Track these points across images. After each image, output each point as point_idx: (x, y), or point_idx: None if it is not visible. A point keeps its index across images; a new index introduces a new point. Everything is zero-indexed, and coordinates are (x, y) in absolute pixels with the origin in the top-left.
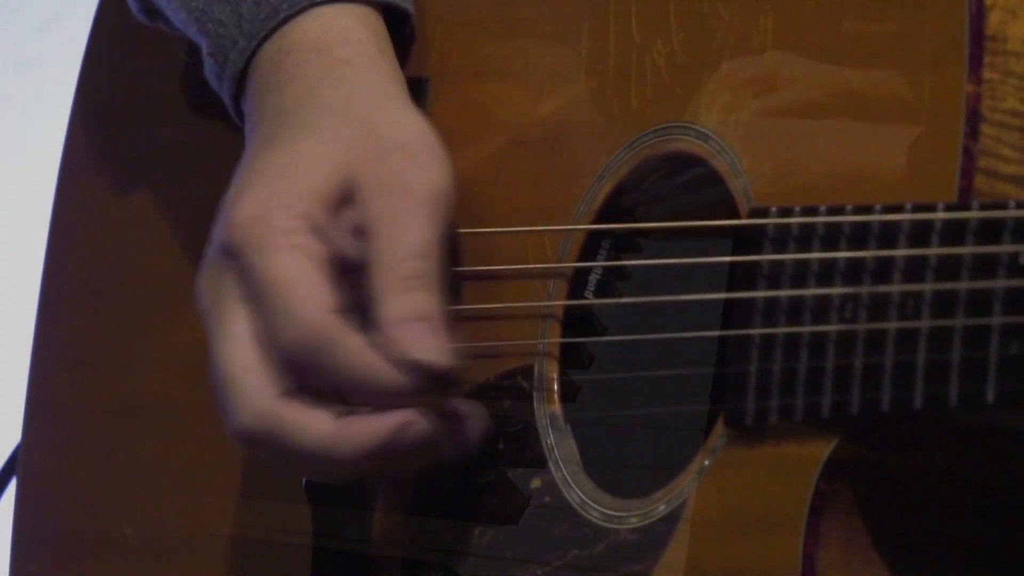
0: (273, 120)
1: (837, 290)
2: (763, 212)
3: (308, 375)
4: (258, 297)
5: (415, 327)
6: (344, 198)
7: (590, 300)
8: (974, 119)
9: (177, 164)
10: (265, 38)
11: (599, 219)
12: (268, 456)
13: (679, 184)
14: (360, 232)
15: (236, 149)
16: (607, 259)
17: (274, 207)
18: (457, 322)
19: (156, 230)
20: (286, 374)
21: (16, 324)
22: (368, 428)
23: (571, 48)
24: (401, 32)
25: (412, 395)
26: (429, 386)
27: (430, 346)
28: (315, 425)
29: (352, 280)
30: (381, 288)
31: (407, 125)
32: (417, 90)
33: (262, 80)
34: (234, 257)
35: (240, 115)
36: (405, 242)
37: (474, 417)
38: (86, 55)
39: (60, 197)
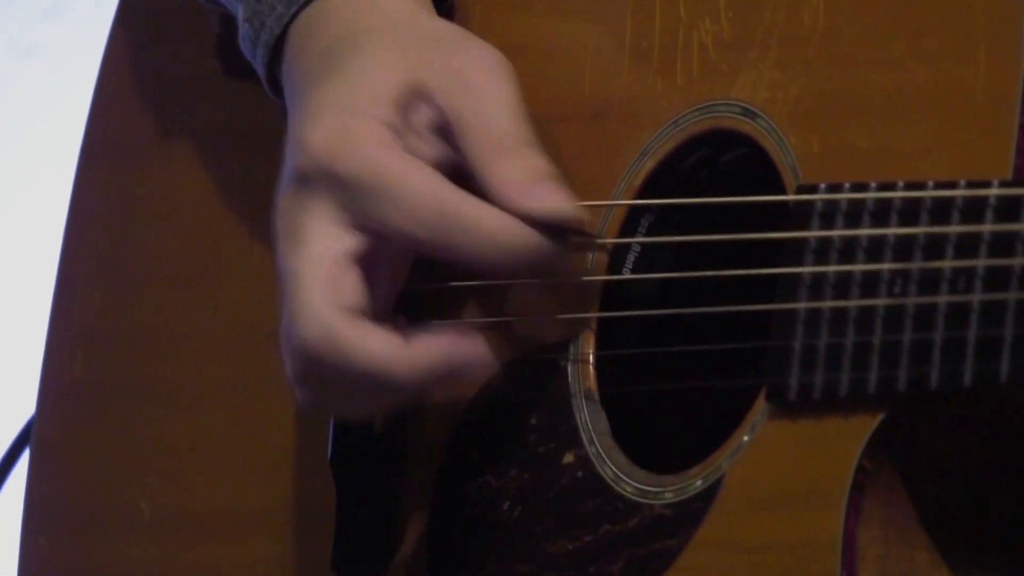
0: (319, 62)
1: (886, 265)
2: (812, 189)
3: (437, 252)
4: (363, 198)
5: (532, 184)
6: (411, 100)
7: (629, 276)
8: None
9: (206, 142)
10: (304, 4)
11: (640, 196)
12: (325, 372)
13: (724, 162)
14: (437, 130)
15: (261, 128)
16: (647, 236)
17: (348, 118)
18: (494, 296)
19: (180, 209)
20: (357, 294)
21: (29, 303)
22: (428, 347)
23: (615, 25)
24: (441, 8)
25: (551, 255)
26: (566, 241)
27: (556, 199)
28: (376, 341)
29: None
30: (483, 157)
31: (445, 24)
32: None
33: (299, 42)
34: (319, 176)
35: (272, 84)
36: (495, 113)
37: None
38: (112, 31)
39: (81, 174)
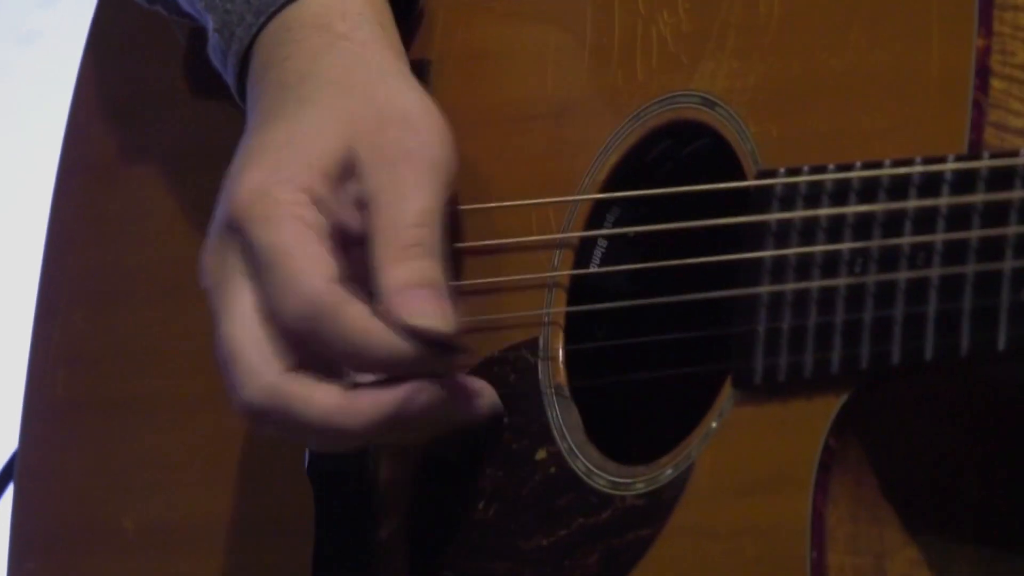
0: (274, 95)
1: (846, 244)
2: (771, 174)
3: (312, 347)
4: (260, 269)
5: (416, 294)
6: (346, 171)
7: (596, 269)
8: (984, 73)
9: (176, 158)
10: (273, 15)
11: (605, 191)
12: (275, 430)
13: (686, 154)
14: (363, 205)
15: (236, 140)
16: (614, 227)
17: (276, 180)
18: (462, 296)
19: (155, 224)
20: (292, 349)
21: (14, 322)
22: (374, 400)
23: (576, 24)
24: (410, 14)
25: (416, 363)
26: (432, 353)
27: (431, 312)
28: (322, 398)
29: (356, 254)
30: (382, 256)
31: (407, 96)
32: (420, 72)
33: (265, 57)
34: (237, 231)
35: (242, 94)
36: (405, 210)
37: (482, 395)
38: (84, 52)
39: (59, 193)
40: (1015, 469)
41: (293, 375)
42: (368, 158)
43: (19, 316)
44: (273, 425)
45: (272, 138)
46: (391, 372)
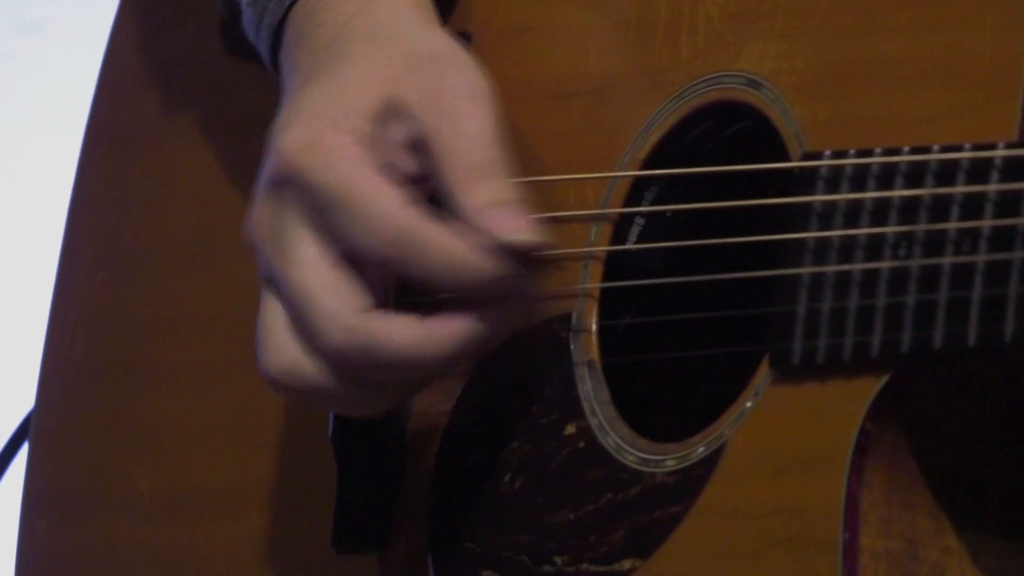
0: (310, 61)
1: (891, 228)
2: (816, 156)
3: (398, 274)
4: (329, 210)
5: (499, 212)
6: (388, 115)
7: (634, 245)
8: None
9: (205, 126)
10: (284, 17)
11: (645, 168)
12: (360, 371)
13: (729, 134)
14: (411, 145)
15: (265, 112)
16: (652, 207)
17: (323, 128)
18: None
19: (180, 192)
20: (365, 289)
21: (30, 293)
22: (452, 323)
23: (620, 3)
24: None
25: (508, 281)
26: (526, 268)
27: (521, 226)
28: (403, 331)
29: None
30: (455, 183)
31: (435, 38)
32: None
33: (298, 29)
34: (291, 184)
35: (276, 67)
36: (468, 134)
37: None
38: (117, 16)
39: (85, 156)
40: None
41: (371, 314)
42: (416, 98)
43: (39, 282)
44: (359, 366)
45: (312, 96)
46: (480, 292)
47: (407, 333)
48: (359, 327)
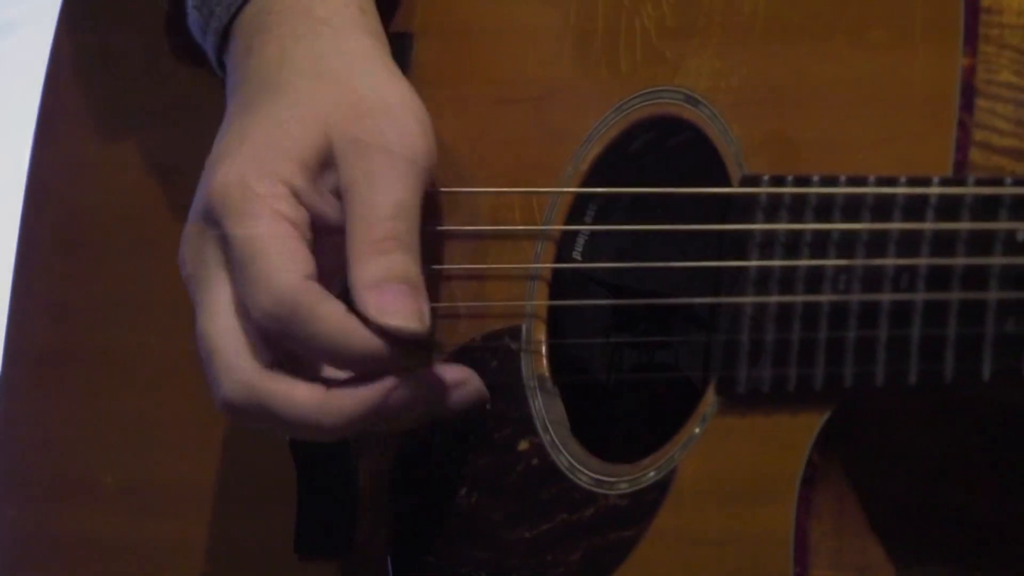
0: (251, 83)
1: (830, 261)
2: (755, 180)
3: (287, 344)
4: (236, 264)
5: (389, 290)
6: (324, 161)
7: (578, 263)
8: (969, 92)
9: (158, 112)
10: (234, 18)
11: (587, 181)
12: (255, 424)
13: (669, 148)
14: (339, 195)
15: (217, 98)
16: (594, 222)
17: (253, 172)
18: (444, 280)
19: (137, 178)
20: (271, 345)
21: None
22: (353, 397)
23: (559, 8)
24: None
25: (389, 361)
26: (406, 352)
27: (404, 310)
28: (301, 396)
29: (338, 243)
30: (355, 250)
31: (387, 86)
32: (401, 46)
33: (243, 39)
34: (214, 223)
35: (223, 68)
36: (380, 203)
37: (466, 384)
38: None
39: (39, 143)
40: (1002, 487)
41: (271, 373)
42: (344, 149)
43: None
44: (253, 421)
45: (249, 129)
46: (367, 370)
47: (305, 397)
48: (256, 385)
